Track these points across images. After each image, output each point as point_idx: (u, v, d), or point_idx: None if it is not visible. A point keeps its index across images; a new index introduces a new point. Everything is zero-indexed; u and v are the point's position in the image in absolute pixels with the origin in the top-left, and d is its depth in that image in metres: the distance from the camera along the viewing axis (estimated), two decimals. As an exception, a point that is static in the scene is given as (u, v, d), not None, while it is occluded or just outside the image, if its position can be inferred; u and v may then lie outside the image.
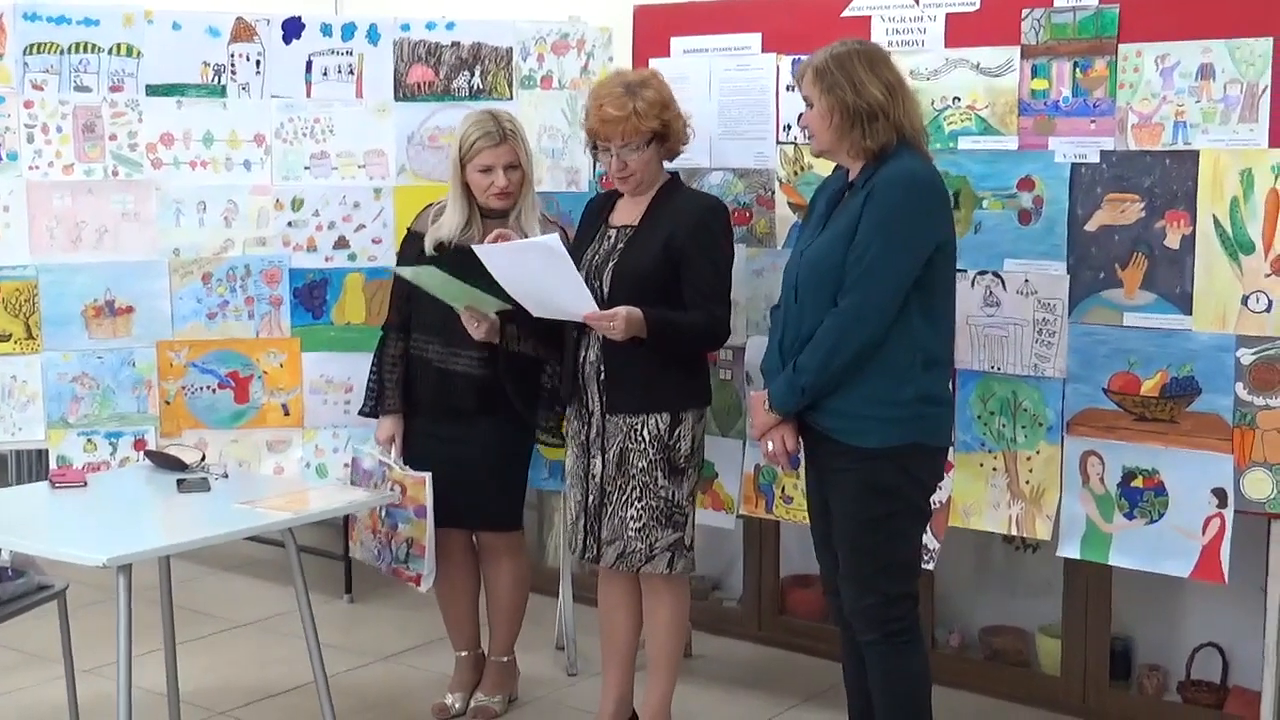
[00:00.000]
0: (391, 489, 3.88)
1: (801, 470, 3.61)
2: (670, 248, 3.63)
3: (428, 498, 3.86)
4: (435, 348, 3.99)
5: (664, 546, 3.72)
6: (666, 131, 3.67)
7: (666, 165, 3.79)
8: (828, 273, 3.25)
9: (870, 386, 3.23)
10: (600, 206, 3.87)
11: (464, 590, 4.21)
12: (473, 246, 3.68)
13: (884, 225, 3.19)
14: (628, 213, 3.77)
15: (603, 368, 3.69)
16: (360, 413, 4.19)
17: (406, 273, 3.88)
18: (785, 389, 3.30)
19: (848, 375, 3.23)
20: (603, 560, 3.78)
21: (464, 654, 4.25)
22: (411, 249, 4.05)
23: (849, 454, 3.27)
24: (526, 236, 3.86)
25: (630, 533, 3.71)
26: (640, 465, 3.69)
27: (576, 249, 3.76)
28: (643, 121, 3.63)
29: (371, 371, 4.13)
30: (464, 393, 3.97)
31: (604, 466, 3.73)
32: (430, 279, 3.79)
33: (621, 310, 3.54)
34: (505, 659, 4.25)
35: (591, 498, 3.77)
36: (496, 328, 3.85)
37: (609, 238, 3.76)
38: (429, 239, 3.97)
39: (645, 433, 3.67)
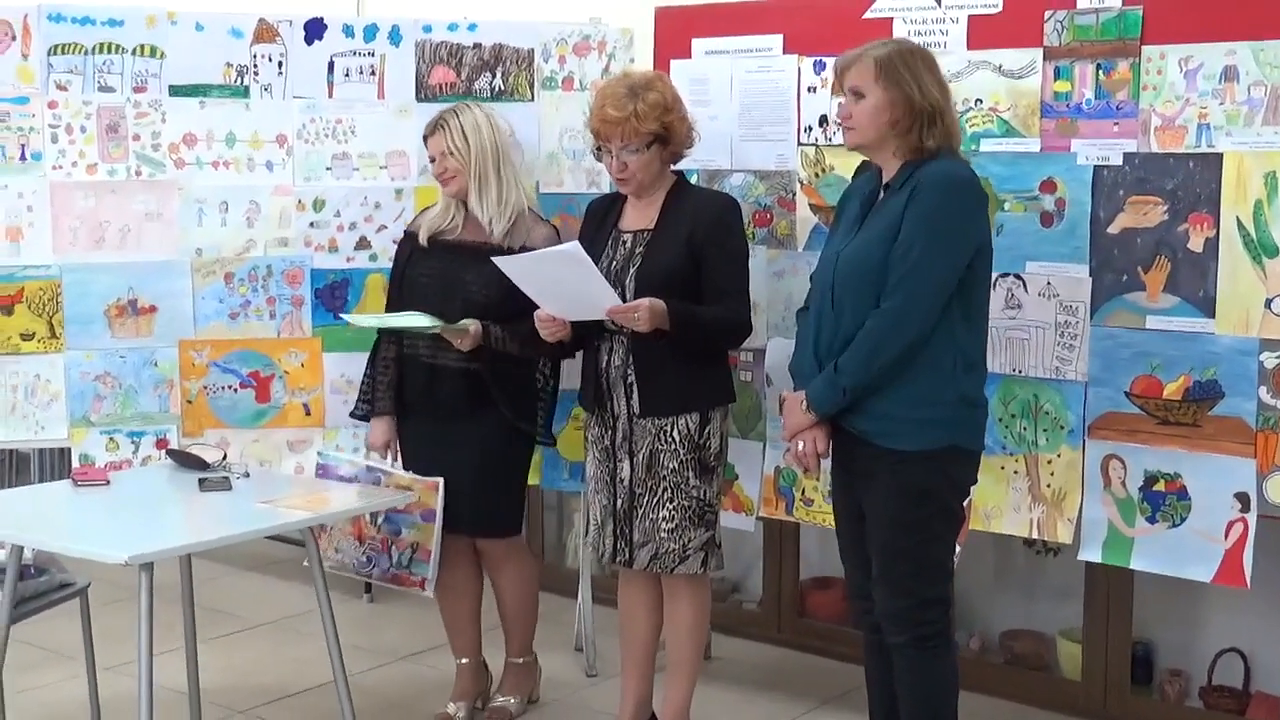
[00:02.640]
0: (405, 494, 3.87)
1: (824, 473, 3.60)
2: (692, 246, 3.63)
3: (438, 503, 3.87)
4: (425, 343, 4.00)
5: (697, 546, 3.72)
6: (668, 134, 3.67)
7: (677, 165, 3.79)
8: (868, 274, 3.23)
9: (911, 389, 3.22)
10: (605, 210, 3.85)
11: (464, 595, 4.18)
12: (493, 259, 3.70)
13: (929, 226, 3.17)
14: (639, 216, 3.76)
15: (631, 371, 3.69)
16: (352, 415, 4.20)
17: (362, 322, 4.08)
18: (826, 389, 3.27)
19: (890, 377, 3.22)
20: (635, 563, 3.77)
21: (464, 661, 4.22)
22: (405, 248, 4.12)
23: (886, 457, 3.25)
24: (487, 219, 3.97)
25: (663, 534, 3.71)
26: (671, 466, 3.68)
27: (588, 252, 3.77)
28: (642, 124, 3.63)
29: (365, 374, 4.15)
30: (453, 389, 3.97)
31: (634, 470, 3.72)
32: (396, 322, 3.93)
33: (644, 301, 3.54)
34: (522, 660, 4.24)
35: (620, 501, 3.76)
36: (479, 335, 3.87)
37: (624, 243, 3.75)
38: (423, 232, 4.05)
39: (675, 433, 3.67)
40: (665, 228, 3.70)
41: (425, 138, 4.07)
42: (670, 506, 3.70)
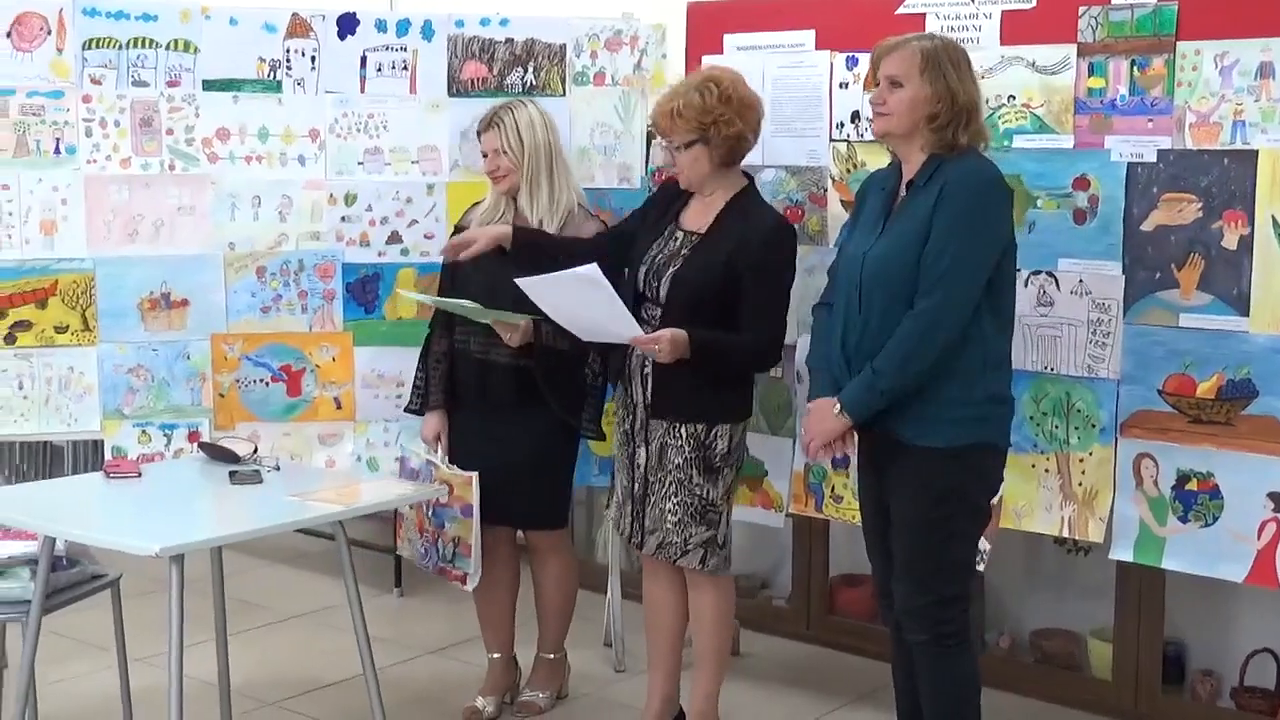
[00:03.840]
0: (439, 488, 3.90)
1: (852, 469, 3.59)
2: (731, 265, 3.61)
3: (474, 497, 3.88)
4: (476, 339, 4.02)
5: (697, 543, 3.73)
6: (706, 136, 3.64)
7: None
8: (898, 275, 3.22)
9: (941, 388, 3.22)
10: (672, 198, 3.83)
11: (505, 589, 4.20)
12: (515, 280, 3.68)
13: (961, 227, 3.16)
14: (698, 216, 3.75)
15: (648, 365, 3.69)
16: (406, 409, 4.22)
17: (415, 297, 4.13)
18: (863, 393, 3.25)
19: (926, 378, 3.20)
20: (645, 548, 3.80)
21: (496, 656, 4.23)
22: None
23: (915, 455, 3.25)
24: (537, 219, 3.99)
25: (669, 525, 3.73)
26: (676, 462, 3.69)
27: (643, 239, 3.79)
28: (678, 123, 3.63)
29: (418, 369, 4.18)
30: (504, 384, 4.00)
31: (647, 458, 3.75)
32: (449, 303, 3.92)
33: (666, 334, 3.54)
34: (554, 656, 4.25)
35: (637, 486, 3.79)
36: (529, 331, 3.88)
37: (675, 239, 3.74)
38: (473, 228, 4.04)
39: (682, 430, 3.68)
40: (713, 238, 3.68)
41: (479, 132, 4.08)
42: (674, 500, 3.71)
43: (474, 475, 3.89)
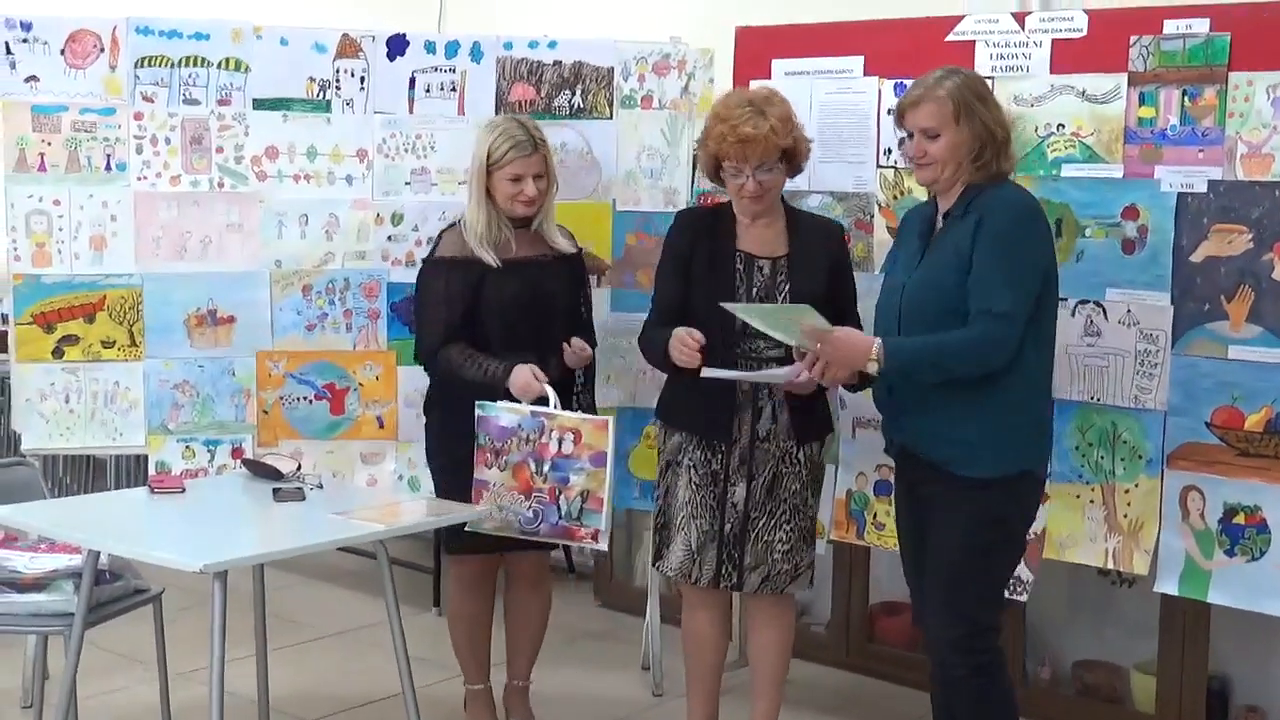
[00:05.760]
0: (558, 438, 3.67)
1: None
2: (833, 274, 3.67)
3: (609, 444, 3.64)
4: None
5: (807, 564, 3.76)
6: (796, 148, 3.64)
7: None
8: (935, 302, 3.22)
9: (986, 415, 3.21)
10: (709, 226, 3.73)
11: (489, 617, 4.12)
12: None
13: (1007, 259, 3.16)
14: (763, 241, 3.69)
15: (765, 397, 3.64)
16: (494, 394, 3.78)
17: (739, 312, 3.57)
18: (911, 356, 3.23)
19: (957, 390, 3.20)
20: (745, 586, 3.74)
21: (479, 687, 4.15)
22: (469, 274, 3.87)
23: (960, 483, 3.24)
24: (550, 245, 3.94)
25: (777, 555, 3.71)
26: (793, 488, 3.69)
27: (705, 284, 3.65)
28: (779, 138, 3.57)
29: (461, 375, 3.85)
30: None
31: (749, 494, 3.69)
32: (758, 314, 3.57)
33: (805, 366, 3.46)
34: (527, 682, 4.19)
35: (730, 525, 3.70)
36: None
37: (760, 269, 3.67)
38: (484, 255, 3.86)
39: (801, 455, 3.69)
40: (802, 253, 3.68)
41: (505, 150, 3.84)
42: (788, 528, 3.70)
43: (609, 419, 3.68)
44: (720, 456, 3.70)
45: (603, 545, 3.78)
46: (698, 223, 3.79)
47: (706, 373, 3.55)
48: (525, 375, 3.77)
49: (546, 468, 3.70)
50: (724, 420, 3.67)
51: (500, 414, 3.74)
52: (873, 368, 3.25)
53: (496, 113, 4.42)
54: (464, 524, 3.74)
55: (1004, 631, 3.40)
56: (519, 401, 3.75)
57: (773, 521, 3.70)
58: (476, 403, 3.77)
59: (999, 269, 3.16)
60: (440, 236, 3.99)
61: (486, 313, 3.89)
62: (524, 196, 3.87)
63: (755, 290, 3.66)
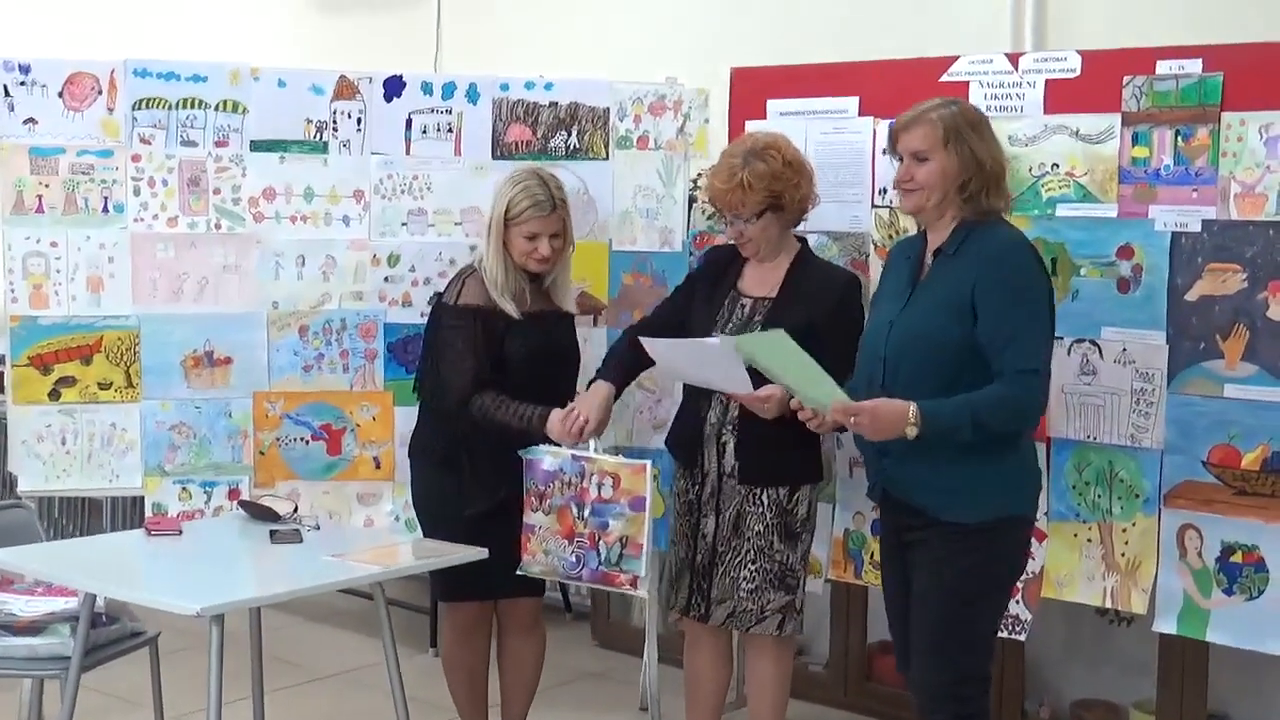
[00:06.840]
0: (597, 482, 3.65)
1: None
2: (813, 325, 3.53)
3: (647, 488, 3.60)
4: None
5: (775, 609, 3.71)
6: (779, 203, 3.65)
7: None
8: (927, 345, 3.18)
9: (970, 460, 3.17)
10: (726, 263, 3.80)
11: (485, 663, 4.10)
12: (641, 340, 3.62)
13: (1021, 303, 3.14)
14: (760, 282, 3.74)
15: (728, 433, 3.66)
16: (540, 438, 3.79)
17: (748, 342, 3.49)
18: (950, 419, 3.10)
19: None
20: (711, 619, 3.75)
21: None
22: (493, 323, 3.85)
23: (945, 529, 3.21)
24: (559, 302, 3.94)
25: (742, 593, 3.70)
26: (757, 529, 3.68)
27: (699, 310, 3.75)
28: (749, 195, 3.61)
29: (496, 421, 3.80)
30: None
31: (718, 527, 3.71)
32: (771, 351, 3.42)
33: (777, 392, 3.46)
34: None
35: (700, 556, 3.74)
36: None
37: (743, 306, 3.72)
38: (506, 305, 3.84)
39: (765, 497, 3.67)
40: (787, 301, 3.68)
41: (524, 208, 3.82)
42: (752, 567, 3.68)
43: (646, 463, 3.63)
44: (696, 487, 3.75)
45: (643, 592, 3.72)
46: (719, 258, 3.87)
47: (645, 342, 3.62)
48: (564, 420, 3.74)
49: (587, 512, 3.68)
50: (694, 451, 3.73)
51: (544, 457, 3.73)
52: (912, 432, 3.10)
53: (493, 154, 4.44)
54: (456, 570, 3.68)
55: (992, 681, 3.34)
56: (559, 445, 3.74)
57: (737, 559, 3.70)
58: (521, 450, 3.75)
59: (1017, 322, 3.12)
60: (463, 282, 3.93)
61: (507, 363, 3.87)
62: (538, 255, 3.86)
63: (730, 326, 3.70)
